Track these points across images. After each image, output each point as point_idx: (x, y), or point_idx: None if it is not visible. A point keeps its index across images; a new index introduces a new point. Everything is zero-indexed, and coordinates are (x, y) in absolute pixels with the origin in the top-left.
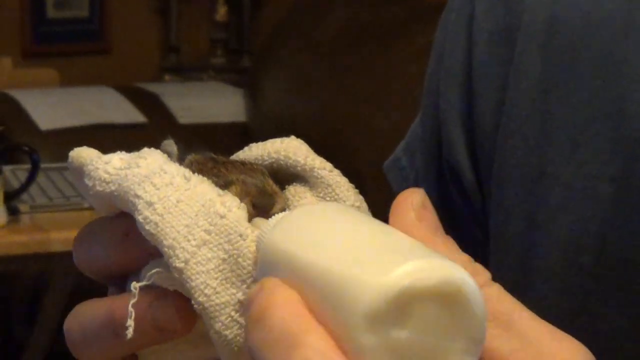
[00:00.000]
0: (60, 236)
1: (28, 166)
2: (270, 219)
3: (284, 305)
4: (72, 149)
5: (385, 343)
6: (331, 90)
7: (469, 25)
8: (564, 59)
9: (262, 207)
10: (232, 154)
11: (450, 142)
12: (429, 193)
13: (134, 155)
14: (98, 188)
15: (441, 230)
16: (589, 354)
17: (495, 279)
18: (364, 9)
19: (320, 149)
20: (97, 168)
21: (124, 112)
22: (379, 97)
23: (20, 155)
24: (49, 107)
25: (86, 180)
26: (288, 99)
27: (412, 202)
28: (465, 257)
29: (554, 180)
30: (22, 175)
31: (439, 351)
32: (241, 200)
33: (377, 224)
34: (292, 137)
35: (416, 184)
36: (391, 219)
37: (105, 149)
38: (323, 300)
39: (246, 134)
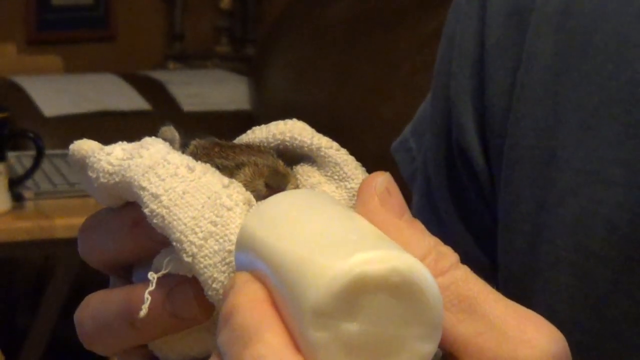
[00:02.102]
0: (64, 223)
1: (32, 152)
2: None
3: (247, 304)
4: (76, 135)
5: (336, 337)
6: (336, 79)
7: (481, 7)
8: (577, 42)
9: (276, 187)
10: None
11: (460, 124)
12: (438, 175)
13: (136, 145)
14: (102, 180)
15: (407, 214)
16: (558, 336)
17: (502, 261)
18: None
19: None
20: (100, 160)
21: (128, 99)
22: (383, 86)
23: (25, 142)
24: (53, 94)
25: (89, 173)
26: (292, 88)
27: (376, 187)
28: (431, 240)
29: (565, 164)
30: (27, 162)
31: (395, 340)
32: (254, 180)
33: (341, 212)
34: (295, 119)
35: (424, 166)
36: (356, 205)
37: (110, 136)
38: (282, 294)
39: (250, 122)
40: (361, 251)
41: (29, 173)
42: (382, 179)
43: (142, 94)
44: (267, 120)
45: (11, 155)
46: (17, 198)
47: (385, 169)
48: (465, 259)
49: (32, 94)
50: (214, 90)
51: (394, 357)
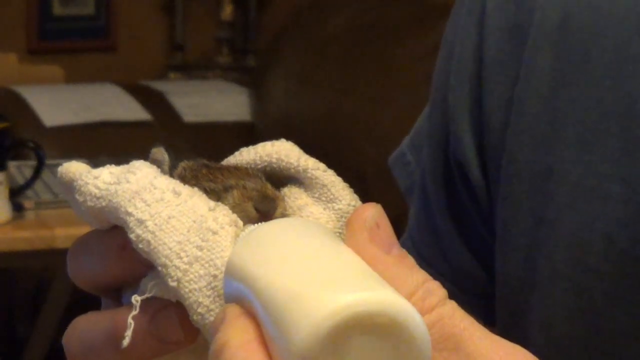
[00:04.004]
0: (64, 233)
1: (33, 162)
2: (241, 233)
3: (237, 342)
4: (76, 145)
5: None
6: (336, 90)
7: (479, 21)
8: (576, 57)
9: (264, 211)
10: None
11: (458, 138)
12: (435, 188)
13: (123, 169)
14: (89, 204)
15: (396, 248)
16: None
17: (500, 276)
18: (369, 9)
19: (325, 149)
20: (87, 183)
21: (129, 109)
22: (384, 97)
23: (25, 152)
24: (54, 104)
25: (77, 196)
26: (293, 98)
27: (365, 220)
28: (420, 276)
29: (562, 179)
30: (27, 172)
31: None
32: (242, 204)
33: (331, 246)
34: (282, 139)
35: (422, 180)
36: (346, 237)
37: (110, 146)
38: (269, 332)
39: (251, 132)
40: (349, 292)
41: (30, 183)
42: (372, 213)
43: (142, 104)
44: (267, 131)
45: (11, 164)
46: (17, 208)
47: (386, 180)
48: (462, 274)
49: (33, 104)
50: (214, 100)
51: None
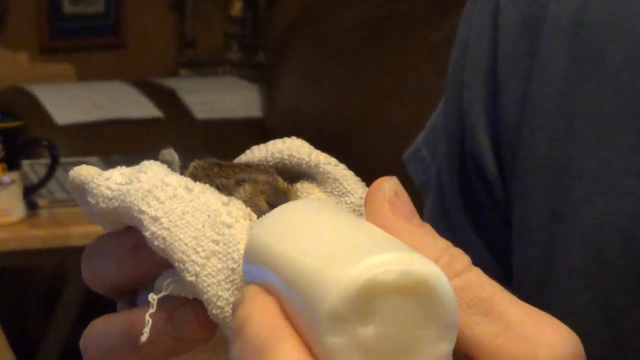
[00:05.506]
0: (79, 231)
1: (46, 161)
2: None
3: (260, 316)
4: (88, 143)
5: (353, 342)
6: (346, 85)
7: (494, 16)
8: (591, 52)
9: (276, 204)
10: (249, 148)
11: (473, 134)
12: (451, 184)
13: (134, 169)
14: (102, 205)
15: (417, 218)
16: (574, 338)
17: (518, 271)
18: (379, 4)
19: (335, 144)
20: (99, 185)
21: (140, 107)
22: (394, 93)
23: (38, 150)
24: (65, 102)
25: (89, 198)
26: (303, 94)
27: (385, 192)
28: (443, 243)
29: (579, 174)
30: (41, 170)
31: (411, 342)
32: (255, 197)
33: (351, 219)
34: (293, 137)
35: (438, 175)
36: (365, 210)
37: (122, 143)
38: (294, 303)
39: (262, 128)
40: (374, 254)
41: (44, 181)
42: (391, 184)
43: (153, 101)
44: (278, 127)
45: (25, 163)
46: (31, 206)
47: (396, 175)
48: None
49: (45, 102)
50: (225, 97)
51: (412, 358)
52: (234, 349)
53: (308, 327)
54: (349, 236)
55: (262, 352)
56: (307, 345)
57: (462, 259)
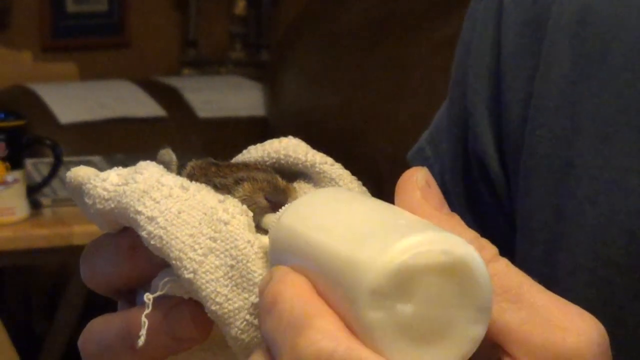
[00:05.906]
0: (82, 230)
1: (49, 160)
2: (279, 211)
3: (293, 291)
4: (91, 142)
5: (392, 318)
6: (350, 84)
7: (497, 16)
8: (595, 51)
9: (276, 202)
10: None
11: (477, 133)
12: (455, 183)
13: (130, 170)
14: (98, 206)
15: (446, 208)
16: (600, 326)
17: (521, 269)
18: (382, 2)
19: (339, 143)
20: (96, 186)
21: (143, 105)
22: (398, 91)
23: (42, 149)
24: (68, 101)
25: (86, 199)
26: (307, 93)
27: (417, 180)
28: (472, 233)
29: (582, 173)
30: (44, 169)
31: (447, 322)
32: (254, 195)
33: (382, 204)
34: (290, 136)
35: (441, 175)
36: (397, 198)
37: (125, 142)
38: (330, 281)
39: (265, 127)
40: (415, 234)
41: (47, 180)
42: (422, 173)
43: (157, 100)
44: (282, 126)
45: (28, 162)
46: (34, 205)
47: (400, 174)
48: None
49: (48, 101)
50: (228, 96)
51: (446, 339)
52: (267, 324)
53: (346, 303)
54: (385, 216)
55: (299, 327)
56: (343, 320)
57: (490, 248)
